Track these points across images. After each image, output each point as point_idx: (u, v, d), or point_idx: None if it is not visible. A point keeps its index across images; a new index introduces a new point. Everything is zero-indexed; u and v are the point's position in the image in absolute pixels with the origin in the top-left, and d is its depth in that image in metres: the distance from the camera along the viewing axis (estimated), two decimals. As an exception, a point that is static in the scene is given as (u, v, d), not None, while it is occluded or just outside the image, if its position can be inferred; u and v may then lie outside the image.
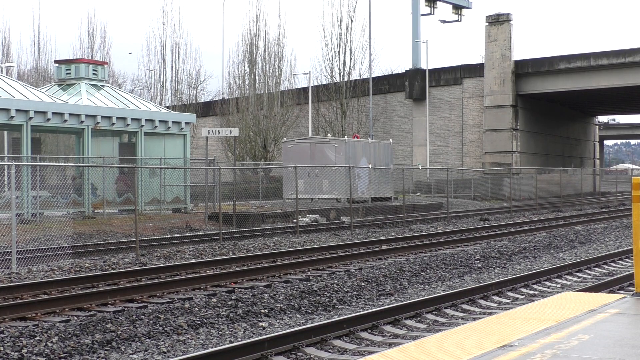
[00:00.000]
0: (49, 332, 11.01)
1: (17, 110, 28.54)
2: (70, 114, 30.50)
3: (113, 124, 32.42)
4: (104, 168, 30.78)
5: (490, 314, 12.32)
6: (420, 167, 56.76)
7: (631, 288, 13.84)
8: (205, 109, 63.20)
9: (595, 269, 18.12)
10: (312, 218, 32.60)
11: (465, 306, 13.31)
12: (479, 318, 11.41)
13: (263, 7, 65.86)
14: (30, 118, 28.94)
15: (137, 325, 11.53)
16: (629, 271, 16.36)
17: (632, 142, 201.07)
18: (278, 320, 12.23)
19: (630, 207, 30.90)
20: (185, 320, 11.95)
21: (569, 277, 16.93)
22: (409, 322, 11.93)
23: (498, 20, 58.07)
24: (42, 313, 12.56)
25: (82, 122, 31.07)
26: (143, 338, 10.98)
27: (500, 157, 57.42)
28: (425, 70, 60.91)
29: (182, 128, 35.52)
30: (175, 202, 34.24)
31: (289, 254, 20.07)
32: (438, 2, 64.77)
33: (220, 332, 11.34)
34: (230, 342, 10.59)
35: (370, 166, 40.56)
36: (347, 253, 20.28)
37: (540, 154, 61.88)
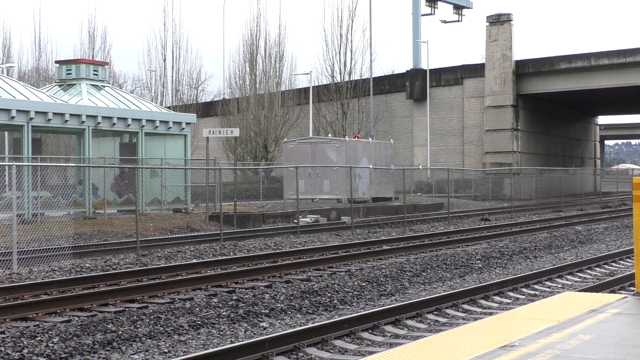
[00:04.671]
0: (50, 332, 11.01)
1: (17, 111, 28.56)
2: (71, 115, 30.51)
3: (114, 124, 32.43)
4: (105, 168, 30.78)
5: (491, 314, 12.32)
6: (421, 167, 56.75)
7: (632, 288, 13.83)
8: (206, 109, 63.21)
9: (596, 269, 18.12)
10: (312, 218, 32.58)
11: (466, 306, 13.31)
12: (480, 318, 11.41)
13: (264, 8, 66.02)
14: (31, 118, 28.95)
15: (138, 326, 11.53)
16: (629, 271, 16.37)
17: (633, 142, 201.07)
18: (279, 321, 12.23)
19: (630, 207, 30.88)
20: (186, 320, 11.95)
21: (569, 277, 16.92)
22: (409, 322, 11.93)
23: (499, 20, 58.06)
24: (43, 313, 12.56)
25: (83, 122, 31.07)
26: (144, 338, 10.98)
27: (501, 157, 57.41)
28: (426, 70, 60.91)
29: (182, 128, 35.52)
30: (176, 202, 34.25)
31: (289, 254, 20.07)
32: (439, 2, 64.74)
33: (221, 333, 11.34)
34: (231, 342, 10.59)
35: (371, 166, 40.56)
36: (348, 253, 20.27)
37: (540, 154, 61.87)
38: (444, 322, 12.05)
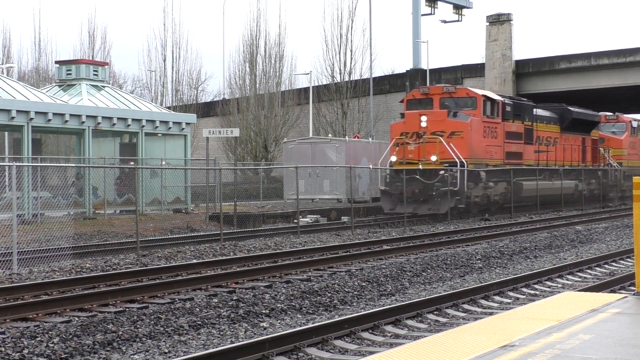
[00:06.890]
0: (50, 332, 11.01)
1: (17, 111, 28.56)
2: (71, 115, 30.52)
3: (114, 124, 32.43)
4: (105, 169, 30.77)
5: (491, 313, 12.32)
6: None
7: (632, 288, 13.83)
8: (206, 110, 63.21)
9: (597, 268, 18.12)
10: (312, 218, 32.58)
11: (466, 306, 13.30)
12: (480, 318, 11.41)
13: (263, 7, 66.00)
14: (31, 119, 28.95)
15: (138, 326, 11.53)
16: (629, 271, 16.36)
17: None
18: (279, 321, 12.22)
19: (631, 206, 30.87)
20: (186, 320, 11.95)
21: (570, 276, 16.92)
22: (410, 322, 11.92)
23: (499, 20, 58.05)
24: (43, 314, 12.56)
25: (83, 122, 31.08)
26: (144, 338, 10.98)
27: (501, 157, 57.33)
28: (426, 70, 60.89)
29: (182, 128, 35.53)
30: (176, 202, 34.25)
31: (289, 254, 20.06)
32: (438, 2, 64.68)
33: (222, 333, 11.34)
34: (232, 342, 10.59)
35: (371, 166, 40.55)
36: (348, 253, 20.26)
37: (541, 153, 61.78)
38: (444, 322, 12.04)
